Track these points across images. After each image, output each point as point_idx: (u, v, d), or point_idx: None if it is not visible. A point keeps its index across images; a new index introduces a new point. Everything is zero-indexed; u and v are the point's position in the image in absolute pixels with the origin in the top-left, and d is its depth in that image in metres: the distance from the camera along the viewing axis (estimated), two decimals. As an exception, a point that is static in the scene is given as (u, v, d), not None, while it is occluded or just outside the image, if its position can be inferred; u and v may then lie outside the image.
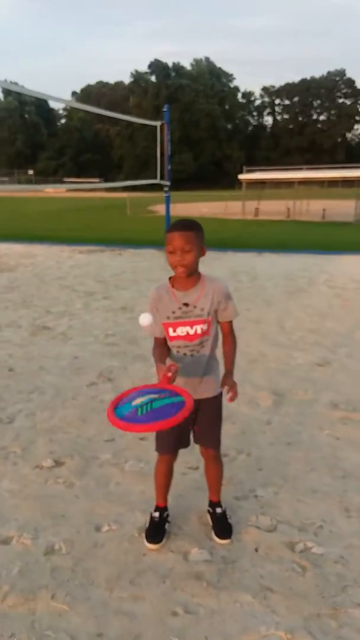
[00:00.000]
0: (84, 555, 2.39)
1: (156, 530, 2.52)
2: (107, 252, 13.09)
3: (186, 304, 2.26)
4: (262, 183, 31.51)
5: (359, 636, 1.94)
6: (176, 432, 2.27)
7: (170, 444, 2.46)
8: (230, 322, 2.38)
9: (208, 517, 2.64)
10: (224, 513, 2.61)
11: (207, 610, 2.07)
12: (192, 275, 2.26)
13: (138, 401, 1.95)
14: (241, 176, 29.17)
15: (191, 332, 2.28)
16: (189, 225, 2.20)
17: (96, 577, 2.25)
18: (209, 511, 2.64)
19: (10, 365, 4.96)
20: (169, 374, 2.05)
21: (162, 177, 9.56)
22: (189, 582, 2.22)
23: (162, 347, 2.31)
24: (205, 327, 2.29)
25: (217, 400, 2.45)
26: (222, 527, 2.55)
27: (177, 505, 2.74)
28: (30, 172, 79.94)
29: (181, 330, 2.28)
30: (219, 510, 2.61)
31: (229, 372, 2.39)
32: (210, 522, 2.60)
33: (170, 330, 2.28)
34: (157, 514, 2.57)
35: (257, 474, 3.11)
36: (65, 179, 71.48)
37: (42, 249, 13.72)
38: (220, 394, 2.45)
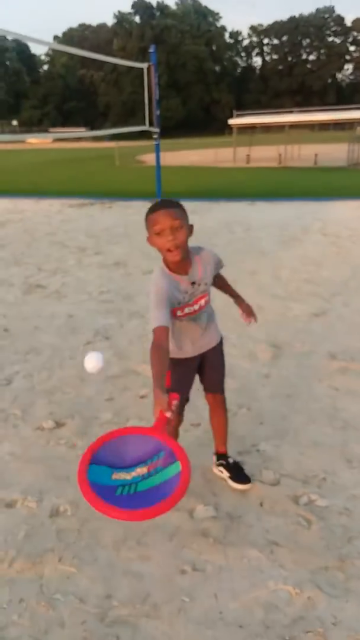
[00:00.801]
0: (89, 516, 2.39)
1: None
2: (97, 205, 12.79)
3: (193, 284, 2.17)
4: (252, 128, 30.65)
5: (366, 588, 1.97)
6: (184, 386, 2.36)
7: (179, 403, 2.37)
8: None
9: (220, 469, 2.65)
10: (236, 461, 2.67)
11: (215, 567, 2.08)
12: (186, 255, 2.10)
13: (120, 476, 1.57)
14: (231, 121, 28.34)
15: (196, 307, 2.24)
16: (174, 202, 2.03)
17: (102, 538, 2.25)
18: (221, 464, 2.65)
19: (4, 325, 4.89)
20: (168, 414, 1.66)
21: (150, 124, 9.18)
22: (195, 539, 2.23)
23: (165, 351, 1.96)
24: (207, 298, 2.29)
25: (220, 346, 2.50)
26: (240, 473, 2.59)
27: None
28: (14, 122, 77.35)
29: (188, 309, 2.22)
30: (231, 460, 2.65)
31: (240, 297, 2.55)
32: (226, 473, 2.61)
33: (178, 312, 2.20)
34: None
35: (259, 428, 3.10)
36: (51, 129, 69.28)
37: (30, 204, 13.39)
38: (222, 340, 2.51)
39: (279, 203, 12.11)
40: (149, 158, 22.57)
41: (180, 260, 2.07)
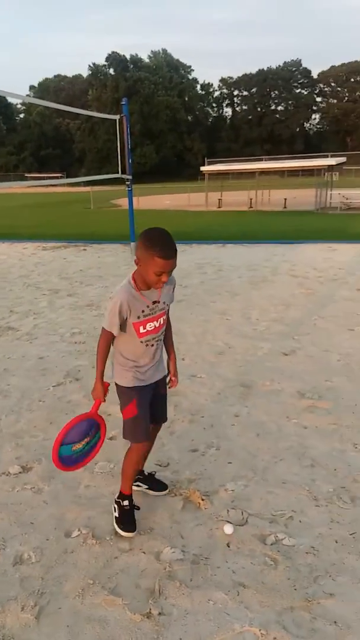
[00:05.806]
0: (54, 562, 2.34)
1: (131, 518, 2.58)
2: (71, 248, 12.91)
3: (155, 302, 2.37)
4: (224, 174, 31.57)
5: (332, 628, 1.96)
6: (147, 412, 2.54)
7: (149, 428, 2.58)
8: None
9: (137, 484, 2.85)
10: (150, 473, 2.92)
11: (180, 611, 2.05)
12: None
13: (77, 447, 2.47)
14: (203, 168, 29.17)
15: (157, 324, 2.42)
16: (176, 249, 2.21)
17: (67, 585, 2.20)
18: (137, 478, 2.84)
19: (-27, 369, 4.83)
20: (103, 400, 2.47)
21: (123, 171, 9.42)
22: (161, 582, 2.20)
23: (107, 351, 2.43)
24: (165, 317, 2.49)
25: (165, 379, 2.69)
26: (157, 482, 2.89)
27: (146, 504, 2.72)
28: (-11, 168, 78.12)
29: (150, 326, 2.39)
30: (145, 472, 2.89)
31: (174, 355, 2.69)
32: (143, 485, 2.88)
33: (141, 328, 2.37)
34: (127, 502, 2.61)
35: (227, 467, 3.11)
36: (27, 175, 70.15)
37: (4, 247, 13.43)
38: (167, 374, 2.69)
39: (250, 245, 12.41)
40: (124, 202, 22.98)
41: None
